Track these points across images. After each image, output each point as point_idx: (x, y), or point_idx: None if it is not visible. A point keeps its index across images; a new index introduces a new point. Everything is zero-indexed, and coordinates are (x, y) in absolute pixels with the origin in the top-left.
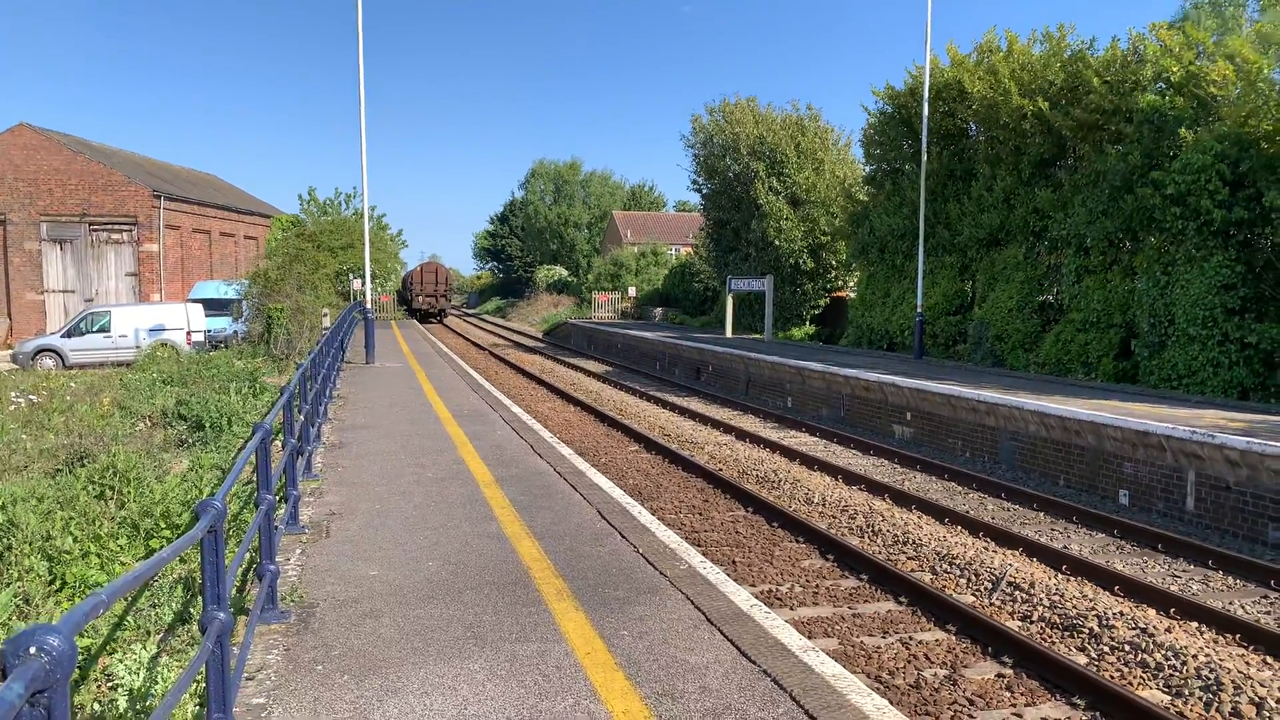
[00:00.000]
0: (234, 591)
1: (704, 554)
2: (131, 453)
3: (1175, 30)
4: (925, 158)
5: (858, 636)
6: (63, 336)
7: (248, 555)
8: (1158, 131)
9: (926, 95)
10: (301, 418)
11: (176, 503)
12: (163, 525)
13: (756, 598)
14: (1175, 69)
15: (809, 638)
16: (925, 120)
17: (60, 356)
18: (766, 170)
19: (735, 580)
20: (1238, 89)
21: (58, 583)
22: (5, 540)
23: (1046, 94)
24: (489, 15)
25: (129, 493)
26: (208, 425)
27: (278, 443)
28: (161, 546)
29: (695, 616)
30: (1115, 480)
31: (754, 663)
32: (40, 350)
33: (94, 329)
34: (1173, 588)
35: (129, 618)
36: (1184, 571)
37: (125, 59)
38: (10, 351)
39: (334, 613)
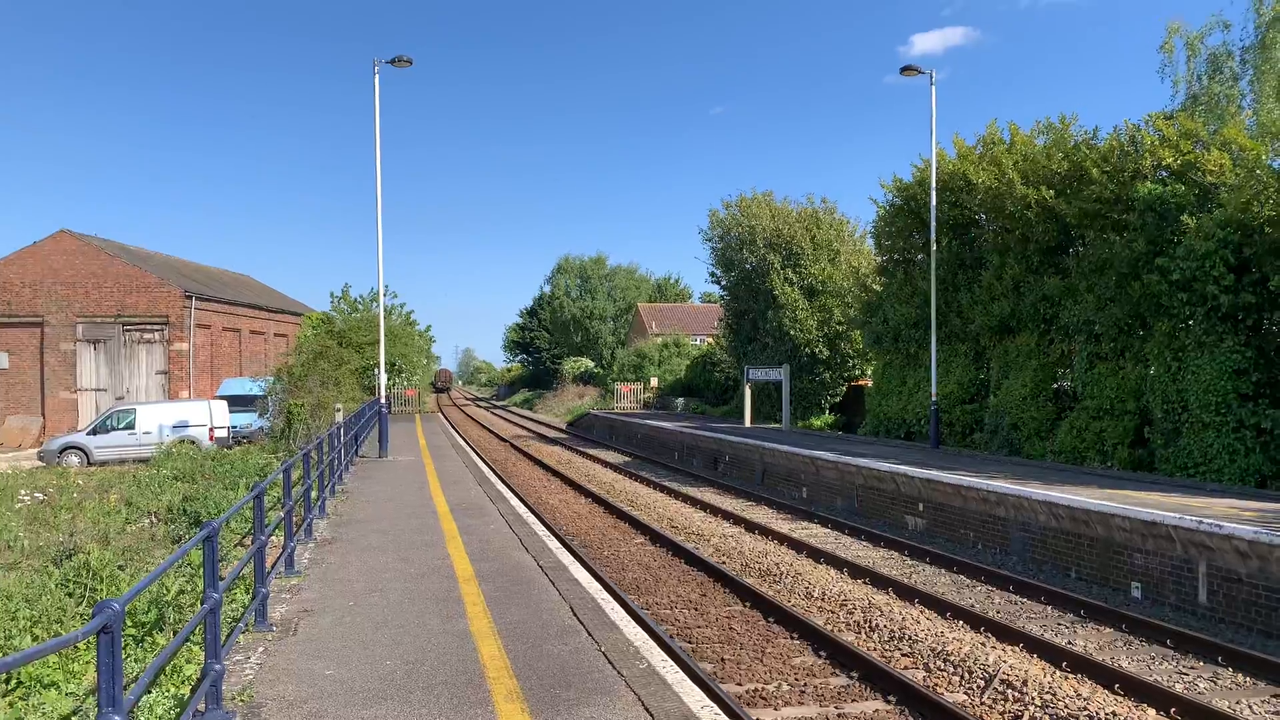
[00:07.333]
0: (175, 690)
1: (692, 650)
2: (114, 550)
3: (1170, 121)
4: (934, 247)
5: None
6: (88, 434)
7: (188, 650)
8: (1160, 219)
9: (934, 186)
10: (283, 513)
11: (144, 600)
12: (128, 623)
13: (741, 697)
14: (1171, 158)
15: None
16: (933, 211)
17: (85, 453)
18: (782, 262)
19: (722, 679)
20: (1236, 176)
21: (13, 681)
22: None
23: (1051, 183)
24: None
25: (100, 590)
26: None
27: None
28: (126, 645)
29: (642, 719)
30: (1127, 572)
31: None
32: (66, 448)
33: (119, 426)
34: (1177, 686)
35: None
36: (1192, 669)
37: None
38: (38, 449)
39: (279, 714)
